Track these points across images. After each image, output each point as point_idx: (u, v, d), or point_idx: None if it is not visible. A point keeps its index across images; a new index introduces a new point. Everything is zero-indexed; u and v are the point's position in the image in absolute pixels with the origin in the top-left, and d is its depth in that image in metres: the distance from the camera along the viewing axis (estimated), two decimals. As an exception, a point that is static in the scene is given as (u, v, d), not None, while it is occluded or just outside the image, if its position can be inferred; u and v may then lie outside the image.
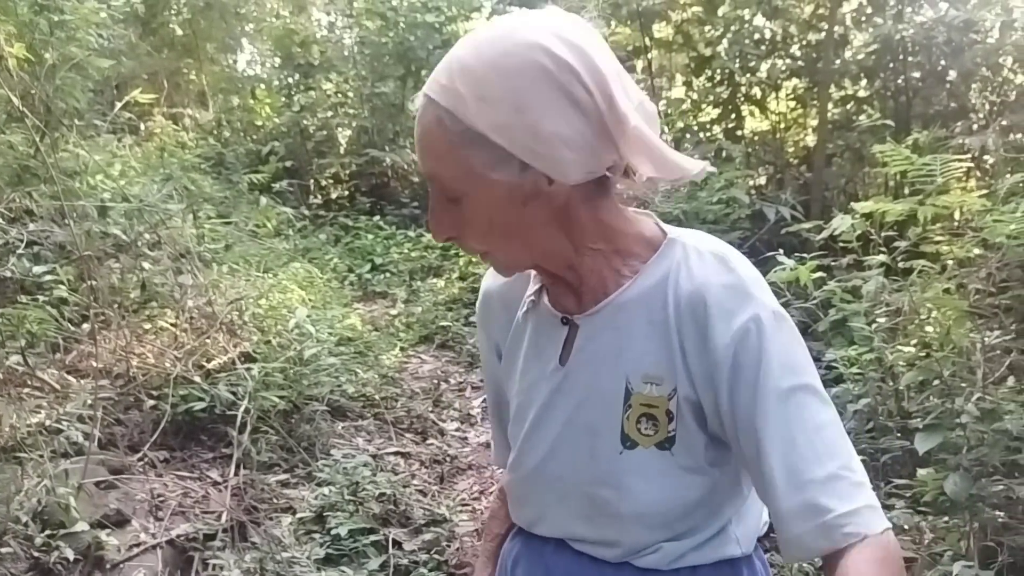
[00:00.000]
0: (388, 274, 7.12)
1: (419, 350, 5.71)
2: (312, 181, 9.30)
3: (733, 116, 7.51)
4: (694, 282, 1.05)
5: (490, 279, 1.30)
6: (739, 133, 7.54)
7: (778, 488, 0.99)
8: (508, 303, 1.24)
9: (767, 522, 1.23)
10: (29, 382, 3.24)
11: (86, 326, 3.94)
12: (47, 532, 2.66)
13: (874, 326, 2.91)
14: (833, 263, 3.83)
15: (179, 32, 9.39)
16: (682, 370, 1.06)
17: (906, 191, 3.91)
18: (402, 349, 5.49)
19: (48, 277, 3.08)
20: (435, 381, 5.04)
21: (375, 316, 6.11)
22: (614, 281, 1.10)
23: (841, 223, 3.43)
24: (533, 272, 1.21)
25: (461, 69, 1.00)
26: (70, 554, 2.64)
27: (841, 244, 3.82)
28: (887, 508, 2.73)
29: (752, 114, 8.04)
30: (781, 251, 3.20)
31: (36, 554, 2.62)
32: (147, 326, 4.06)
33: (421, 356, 5.63)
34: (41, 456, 2.78)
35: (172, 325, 4.07)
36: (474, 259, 6.70)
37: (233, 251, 5.29)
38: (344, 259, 7.27)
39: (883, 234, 3.16)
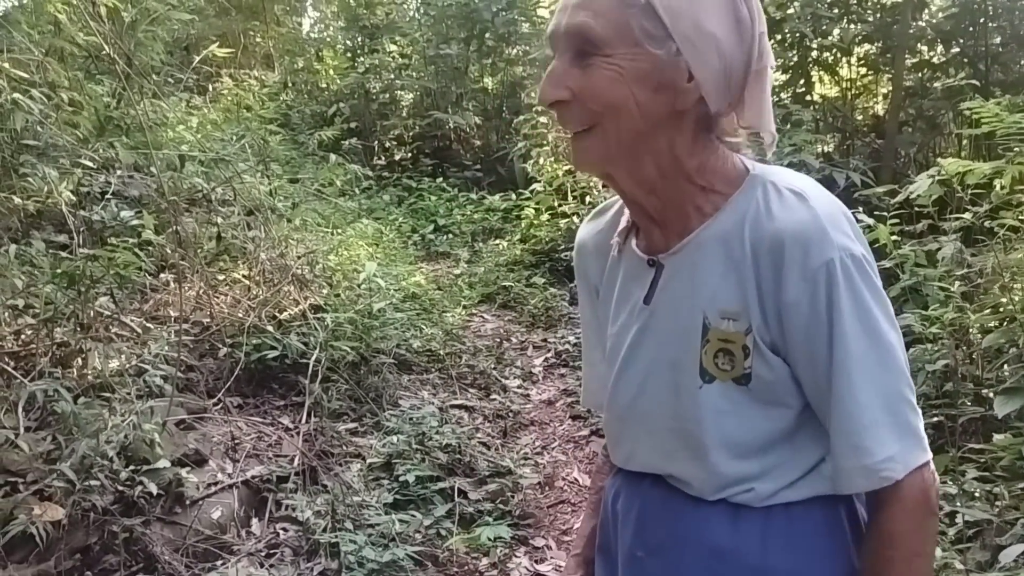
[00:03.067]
0: (451, 235, 7.19)
1: (481, 309, 5.77)
2: (376, 143, 9.39)
3: (802, 81, 7.35)
4: (773, 223, 1.06)
5: (584, 230, 1.33)
6: (808, 98, 7.38)
7: (833, 425, 1.06)
8: (601, 250, 1.27)
9: None
10: (113, 326, 3.35)
11: (164, 276, 4.07)
12: (131, 468, 2.78)
13: (950, 291, 2.85)
14: (906, 229, 3.75)
15: (247, -6, 9.51)
16: (757, 308, 1.08)
17: (983, 160, 3.80)
18: (465, 308, 5.55)
19: (135, 222, 3.19)
20: (497, 339, 5.09)
21: (438, 275, 6.17)
22: (696, 218, 1.12)
23: (920, 185, 3.36)
24: (623, 217, 1.23)
25: None
26: (153, 488, 2.75)
27: (916, 209, 3.74)
28: (960, 474, 2.70)
29: (822, 80, 7.86)
30: (861, 209, 3.13)
31: (121, 488, 2.74)
32: (221, 277, 4.17)
33: (483, 315, 5.68)
34: (128, 394, 2.89)
35: (245, 277, 4.17)
36: (535, 222, 6.71)
37: (301, 208, 5.39)
38: (408, 219, 7.35)
39: (961, 197, 3.09)
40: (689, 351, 1.12)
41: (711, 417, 1.10)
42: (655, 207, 1.14)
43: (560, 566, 2.90)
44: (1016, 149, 2.77)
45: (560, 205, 6.65)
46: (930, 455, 1.08)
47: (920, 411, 1.10)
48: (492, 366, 4.62)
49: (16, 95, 3.04)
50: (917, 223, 3.78)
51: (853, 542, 1.13)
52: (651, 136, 1.08)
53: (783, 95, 7.31)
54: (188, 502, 2.88)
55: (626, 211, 1.22)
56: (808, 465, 1.13)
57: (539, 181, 6.84)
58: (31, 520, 2.53)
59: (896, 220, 3.62)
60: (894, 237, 3.42)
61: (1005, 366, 2.89)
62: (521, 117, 7.99)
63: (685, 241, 1.13)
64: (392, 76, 9.71)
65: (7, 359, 3.21)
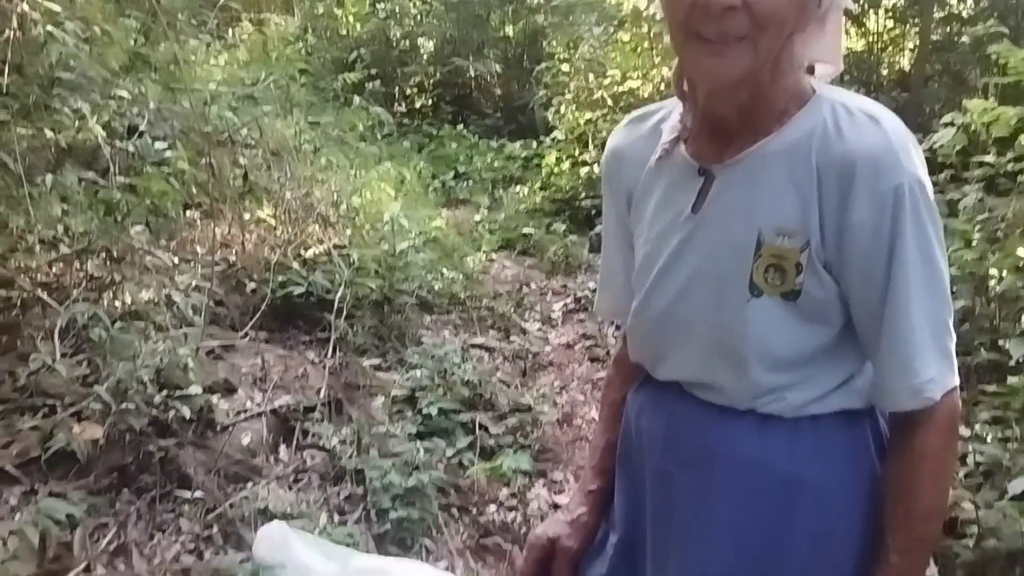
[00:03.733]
0: (471, 182, 7.21)
1: (501, 255, 5.82)
2: (396, 89, 9.37)
3: (828, 32, 7.25)
4: (844, 143, 1.08)
5: (619, 137, 1.35)
6: (834, 51, 7.29)
7: (883, 344, 1.10)
8: (639, 155, 1.28)
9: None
10: (144, 259, 3.42)
11: (191, 213, 4.14)
12: (165, 393, 2.86)
13: (973, 234, 2.87)
14: (931, 177, 3.76)
15: (267, -63, 9.41)
16: (816, 227, 1.10)
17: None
18: (485, 254, 5.60)
19: (168, 153, 3.24)
20: (517, 285, 5.15)
21: (459, 222, 6.22)
22: (762, 130, 1.13)
23: (944, 135, 3.36)
24: (666, 124, 1.26)
25: None
26: (186, 413, 2.84)
27: (940, 160, 3.74)
28: (974, 414, 2.75)
29: (848, 32, 7.75)
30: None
31: (155, 412, 2.83)
32: (247, 216, 4.23)
33: (503, 262, 5.74)
34: (162, 320, 2.97)
35: (271, 216, 4.23)
36: (556, 170, 6.72)
37: (323, 152, 5.42)
38: (428, 166, 7.37)
39: (985, 141, 3.09)
40: (739, 265, 1.14)
41: (755, 331, 1.13)
42: (732, 118, 1.14)
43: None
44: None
45: (580, 154, 6.66)
46: (958, 379, 1.13)
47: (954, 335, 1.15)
48: (512, 310, 4.69)
49: (50, 27, 3.08)
50: (940, 174, 3.79)
51: (876, 455, 1.18)
52: (779, 52, 1.09)
53: (808, 47, 7.22)
54: (219, 428, 2.98)
55: (672, 118, 1.23)
56: (839, 380, 1.17)
57: (559, 129, 6.84)
58: (70, 439, 2.63)
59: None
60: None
61: (1022, 313, 2.92)
62: (542, 65, 7.95)
63: (745, 153, 1.13)
64: (413, 23, 9.65)
65: (42, 289, 3.30)
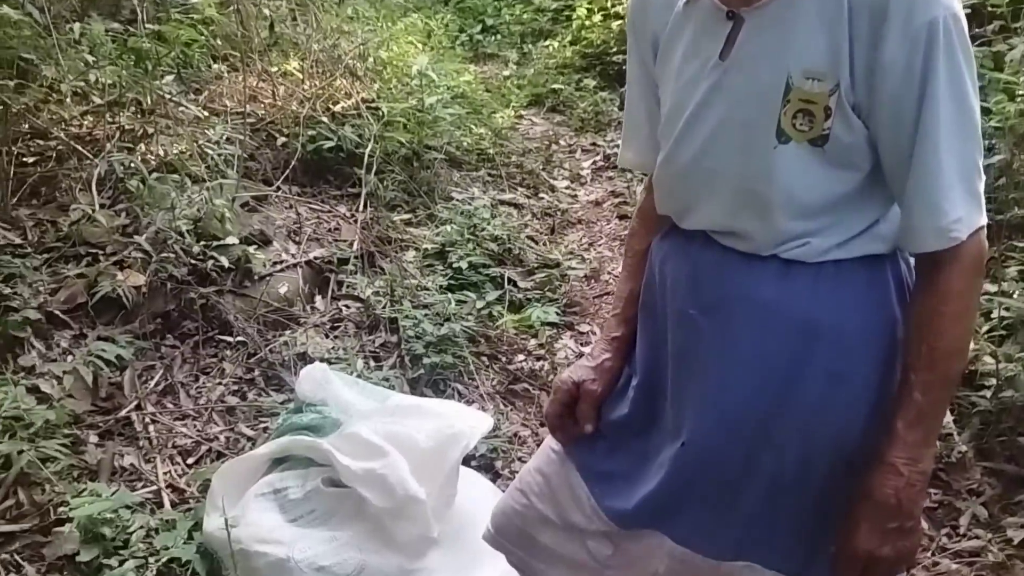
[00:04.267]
0: (499, 36, 7.02)
1: (530, 112, 5.74)
2: (422, -63, 8.98)
3: None
4: None
5: None
6: None
7: (911, 185, 1.11)
8: (667, 1, 1.25)
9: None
10: (175, 111, 3.43)
11: (217, 66, 4.10)
12: (202, 243, 2.93)
13: (1018, 90, 2.78)
14: (977, 30, 3.61)
15: None
16: (847, 68, 1.08)
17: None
18: (514, 109, 5.52)
19: (195, 0, 3.19)
20: (546, 141, 5.10)
21: (487, 77, 6.10)
22: None
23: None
24: None
25: None
26: (225, 262, 2.92)
27: (989, 9, 3.58)
28: (1001, 269, 2.76)
29: None
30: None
31: (194, 261, 2.91)
32: (274, 69, 4.18)
33: (532, 118, 5.66)
34: (197, 171, 3.01)
35: (298, 69, 4.17)
36: (587, 23, 6.51)
37: (348, 3, 5.29)
38: (455, 19, 7.16)
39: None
40: (767, 111, 1.13)
41: (782, 177, 1.14)
42: None
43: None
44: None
45: (613, 6, 6.42)
46: (985, 219, 1.13)
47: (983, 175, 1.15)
48: (540, 167, 4.67)
49: None
50: (989, 25, 3.64)
51: (897, 300, 1.20)
52: None
53: None
54: (256, 277, 3.06)
55: None
56: (864, 226, 1.18)
57: (592, -20, 6.58)
58: (115, 285, 2.73)
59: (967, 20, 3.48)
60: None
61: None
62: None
63: None
64: None
65: (75, 141, 3.33)
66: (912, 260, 1.23)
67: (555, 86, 5.84)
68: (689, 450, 1.25)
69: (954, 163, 1.08)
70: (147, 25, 2.96)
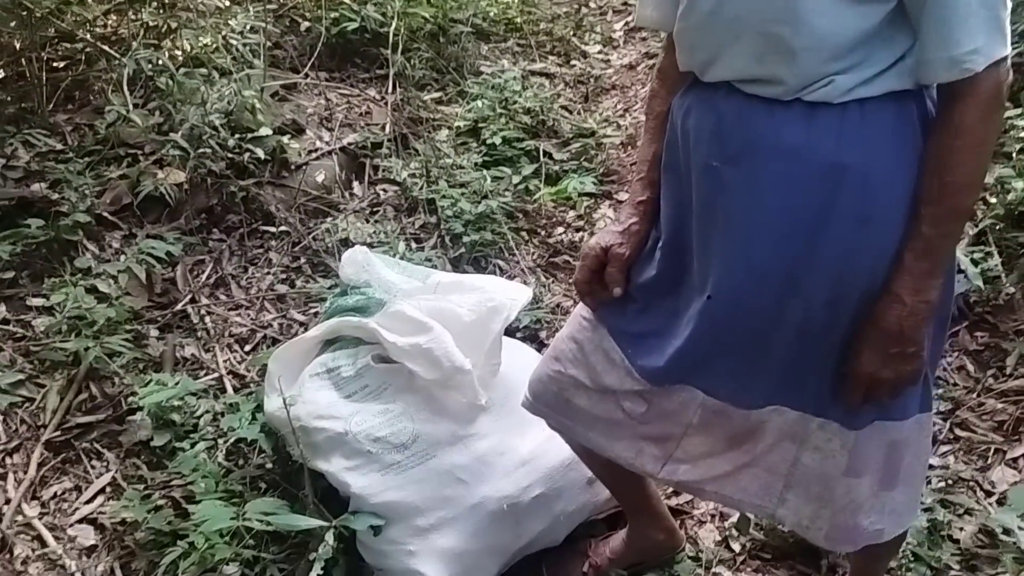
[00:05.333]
0: None
1: (557, -26, 5.52)
2: None
3: None
4: None
5: None
6: None
7: (927, 13, 1.10)
8: None
9: None
10: (198, 3, 3.38)
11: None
12: (237, 136, 2.95)
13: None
14: None
15: None
16: None
17: None
18: (539, -28, 5.31)
19: None
20: (576, 5, 4.92)
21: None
22: None
23: None
24: None
25: None
26: (260, 154, 2.94)
27: None
28: None
29: None
30: None
31: (231, 155, 2.94)
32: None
33: (560, -19, 5.45)
34: (224, 63, 3.00)
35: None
36: None
37: None
38: None
39: None
40: None
41: (806, 16, 1.12)
42: None
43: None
44: None
45: None
46: (1009, 49, 1.11)
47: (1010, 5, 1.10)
48: (571, 33, 4.53)
49: None
50: None
51: (923, 137, 1.19)
52: None
53: None
54: (293, 167, 3.09)
55: None
56: (887, 62, 1.16)
57: None
58: (157, 184, 2.78)
59: None
60: None
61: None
62: None
63: None
64: None
65: (101, 41, 3.33)
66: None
67: (582, -55, 5.58)
68: (716, 302, 1.28)
69: None
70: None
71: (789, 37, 1.14)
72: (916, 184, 1.18)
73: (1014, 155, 2.67)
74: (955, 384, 2.35)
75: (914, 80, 1.18)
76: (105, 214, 2.81)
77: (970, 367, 2.41)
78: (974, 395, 2.32)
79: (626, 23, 4.78)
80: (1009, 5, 1.10)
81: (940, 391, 2.31)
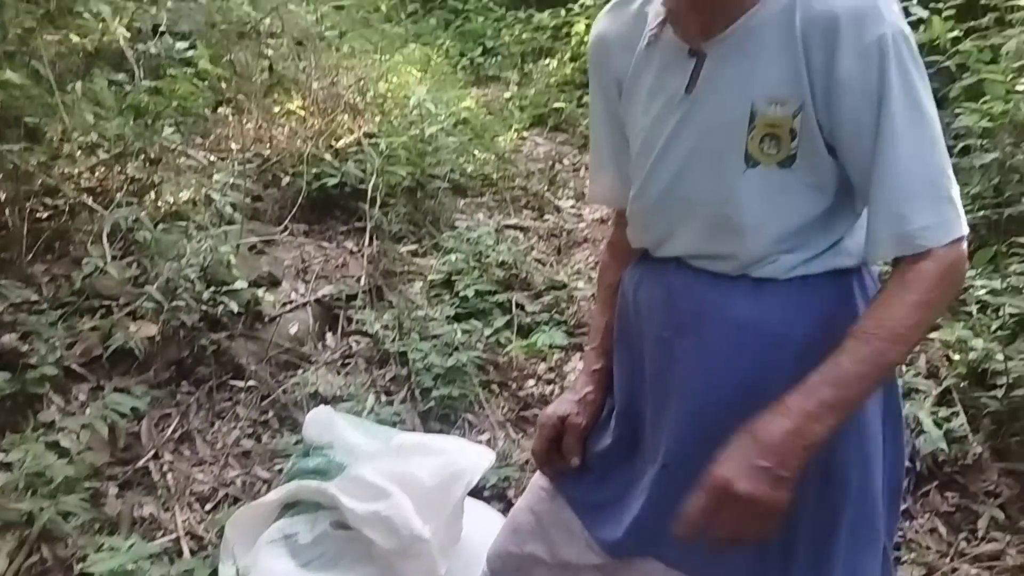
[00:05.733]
0: (500, 57, 7.08)
1: (533, 132, 5.78)
2: (420, -35, 9.07)
3: None
4: (825, 2, 1.09)
5: (603, 23, 1.35)
6: None
7: (874, 194, 1.12)
8: (626, 41, 1.29)
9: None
10: (180, 159, 3.50)
11: (222, 110, 4.17)
12: (212, 288, 2.99)
13: (1013, 82, 2.78)
14: (974, 23, 3.60)
15: None
16: (807, 89, 1.12)
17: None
18: (516, 132, 5.56)
19: (190, 53, 3.26)
20: (550, 162, 5.13)
21: (489, 100, 6.15)
22: (742, 4, 1.15)
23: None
24: (650, 7, 1.26)
25: None
26: (234, 307, 2.97)
27: (983, 2, 3.58)
28: (1005, 266, 2.75)
29: None
30: (914, 1, 3.01)
31: (205, 307, 2.96)
32: (276, 109, 4.25)
33: (535, 139, 5.70)
34: (203, 220, 3.07)
35: (300, 108, 4.24)
36: (586, 39, 6.54)
37: (348, 36, 5.35)
38: (455, 43, 7.23)
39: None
40: (734, 138, 1.17)
41: (752, 201, 1.17)
42: None
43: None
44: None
45: (611, 20, 6.45)
46: (966, 230, 1.13)
47: (956, 184, 1.15)
48: (545, 188, 4.70)
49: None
50: (983, 17, 3.63)
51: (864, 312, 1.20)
52: None
53: None
54: (267, 319, 3.11)
55: (655, 1, 1.24)
56: (830, 242, 1.21)
57: (588, -5, 6.62)
58: (128, 337, 2.79)
59: (960, 16, 3.49)
60: (955, 33, 3.30)
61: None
62: (568, -72, 7.62)
63: (733, 28, 1.15)
64: None
65: (86, 195, 3.41)
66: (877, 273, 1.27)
67: (557, 105, 5.88)
68: (669, 471, 1.28)
69: (917, 170, 1.10)
70: (144, 81, 3.02)
71: (736, 218, 1.19)
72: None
73: (973, 314, 2.74)
74: (928, 547, 2.32)
75: (855, 259, 1.22)
76: (74, 366, 2.80)
77: (942, 529, 2.38)
78: (947, 559, 2.28)
79: (599, 178, 4.96)
80: (955, 184, 1.14)
81: (913, 555, 2.28)
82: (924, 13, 2.94)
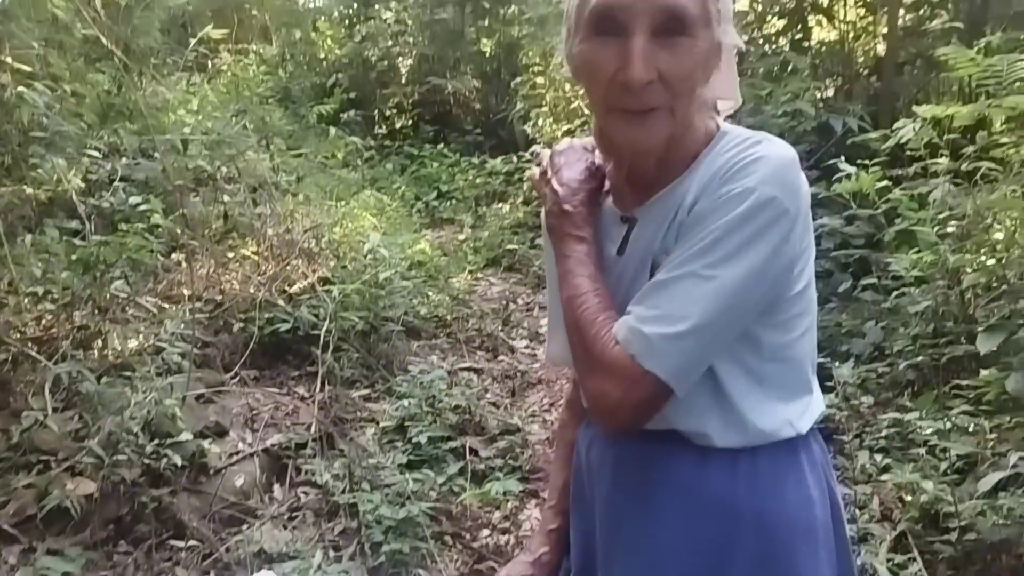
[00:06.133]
0: (454, 201, 7.26)
1: (487, 273, 5.87)
2: (376, 112, 9.41)
3: (799, 27, 7.29)
4: (724, 157, 1.15)
5: None
6: (806, 44, 7.33)
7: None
8: None
9: (823, 412, 1.34)
10: (129, 308, 3.47)
11: (175, 256, 4.18)
12: (156, 441, 2.91)
13: (938, 228, 2.92)
14: (901, 173, 3.81)
15: (242, -32, 9.47)
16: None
17: (978, 97, 3.84)
18: (471, 272, 5.65)
19: (142, 207, 3.29)
20: (504, 302, 5.19)
21: (443, 242, 6.27)
22: (676, 172, 1.20)
23: (906, 130, 3.41)
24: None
25: None
26: (178, 460, 2.88)
27: (909, 152, 3.79)
28: (947, 408, 2.79)
29: (819, 24, 7.79)
30: (843, 158, 3.19)
31: (147, 461, 2.87)
32: (230, 255, 4.28)
33: (489, 279, 5.78)
34: (148, 372, 3.02)
35: (254, 253, 4.27)
36: (538, 183, 6.75)
37: (305, 182, 5.47)
38: (411, 187, 7.42)
39: (951, 139, 3.14)
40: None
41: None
42: (652, 169, 1.20)
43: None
44: (993, 91, 2.82)
45: (561, 165, 6.69)
46: (655, 370, 1.11)
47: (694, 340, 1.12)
48: (499, 328, 4.74)
49: (21, 88, 3.13)
50: (910, 167, 3.83)
51: (812, 482, 1.21)
52: (693, 104, 1.16)
53: (781, 41, 7.27)
54: (212, 471, 3.02)
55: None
56: (769, 412, 1.20)
57: (539, 142, 6.89)
58: (65, 495, 2.68)
59: (892, 162, 3.68)
60: (886, 183, 3.47)
61: (992, 304, 2.96)
62: (519, 79, 8.00)
63: (660, 195, 1.20)
64: (389, 43, 9.70)
65: (31, 344, 3.35)
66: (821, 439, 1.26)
67: (510, 246, 6.00)
68: None
69: (667, 293, 1.11)
70: (94, 236, 3.04)
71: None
72: (813, 529, 1.19)
73: (922, 455, 2.76)
74: None
75: (799, 429, 1.22)
76: (5, 527, 2.67)
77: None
78: None
79: (552, 318, 5.01)
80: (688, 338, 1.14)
81: None
82: (852, 169, 3.11)
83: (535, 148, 6.92)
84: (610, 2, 1.08)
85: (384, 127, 9.37)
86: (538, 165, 1.34)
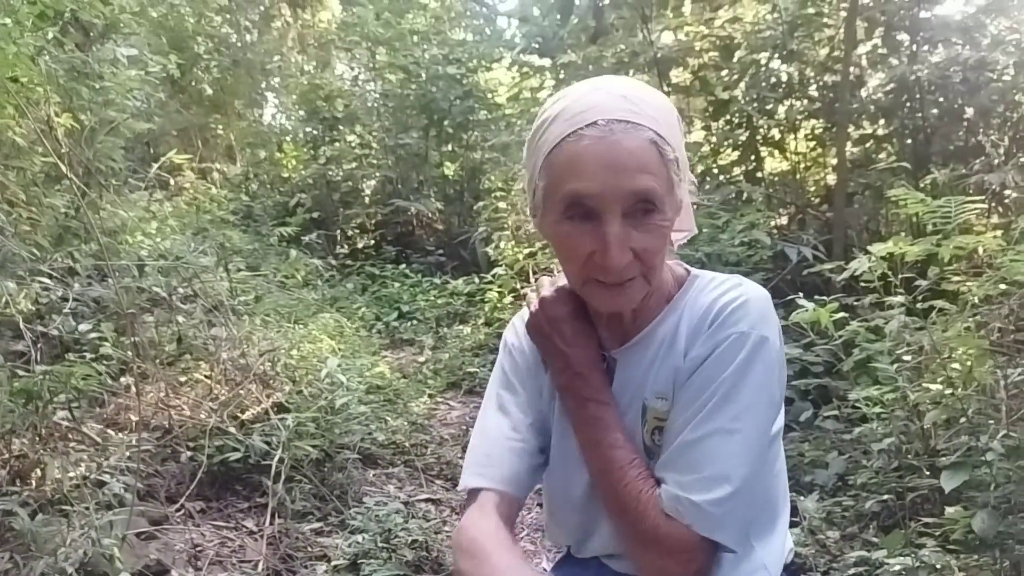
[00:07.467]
0: (415, 321, 7.22)
1: (447, 396, 5.77)
2: (339, 231, 9.47)
3: (753, 158, 7.57)
4: (707, 299, 1.20)
5: (521, 337, 1.39)
6: (759, 175, 7.59)
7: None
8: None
9: (792, 549, 1.33)
10: (72, 436, 3.33)
11: (124, 380, 4.05)
12: (91, 583, 2.73)
13: (897, 365, 2.94)
14: (856, 302, 3.87)
15: (208, 90, 9.66)
16: (682, 378, 1.20)
17: (928, 229, 3.96)
18: (430, 396, 5.55)
19: (92, 335, 3.20)
20: (463, 427, 5.09)
21: (403, 363, 6.19)
22: (650, 316, 1.25)
23: (860, 264, 3.47)
24: None
25: (649, 104, 1.11)
26: (113, 604, 2.70)
27: (863, 283, 3.86)
28: (916, 547, 2.74)
29: (772, 155, 8.10)
30: (801, 294, 3.25)
31: (81, 605, 2.69)
32: (183, 379, 4.16)
33: (449, 403, 5.68)
34: (86, 508, 2.86)
35: (207, 377, 4.16)
36: (499, 305, 6.77)
37: (264, 302, 5.41)
38: (372, 307, 7.38)
39: (904, 274, 3.20)
40: (635, 435, 1.23)
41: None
42: (628, 316, 1.25)
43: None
44: (946, 230, 2.91)
45: (523, 287, 6.74)
46: (706, 532, 1.15)
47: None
48: (459, 455, 4.61)
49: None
50: (866, 296, 3.90)
51: None
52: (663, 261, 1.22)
53: (736, 171, 7.52)
54: (149, 618, 2.84)
55: None
56: (744, 556, 1.21)
57: (501, 264, 6.94)
58: (-14, 646, 2.48)
59: (846, 292, 3.74)
60: (842, 314, 3.52)
61: (955, 437, 2.96)
62: (481, 203, 8.14)
63: (638, 337, 1.25)
64: (353, 165, 9.86)
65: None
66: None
67: (471, 369, 5.94)
68: None
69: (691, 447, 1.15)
70: (39, 364, 2.93)
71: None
72: None
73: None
74: None
75: (775, 568, 1.25)
76: None
77: None
78: None
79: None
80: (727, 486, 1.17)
81: None
82: (810, 305, 3.15)
83: (526, 289, 6.97)
84: (582, 191, 1.09)
85: (346, 246, 9.41)
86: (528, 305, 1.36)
